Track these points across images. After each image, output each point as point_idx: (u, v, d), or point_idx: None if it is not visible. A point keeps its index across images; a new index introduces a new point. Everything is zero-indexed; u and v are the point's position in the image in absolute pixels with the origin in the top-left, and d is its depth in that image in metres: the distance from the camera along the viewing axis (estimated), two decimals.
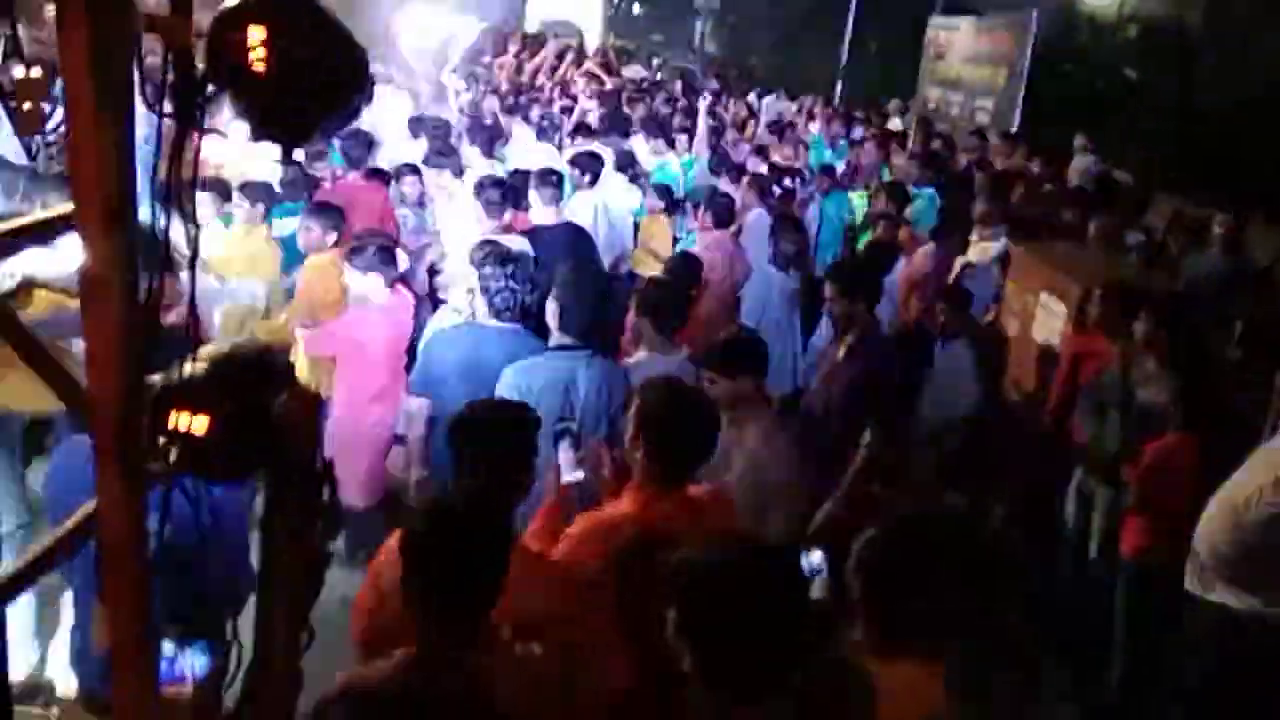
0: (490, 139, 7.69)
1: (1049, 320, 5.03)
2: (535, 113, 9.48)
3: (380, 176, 6.47)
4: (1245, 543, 3.36)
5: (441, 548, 2.03)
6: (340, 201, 5.49)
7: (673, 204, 7.05)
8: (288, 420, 1.76)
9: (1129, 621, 4.04)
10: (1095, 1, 13.44)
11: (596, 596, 2.43)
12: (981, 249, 6.18)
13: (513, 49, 13.39)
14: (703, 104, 10.15)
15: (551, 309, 3.69)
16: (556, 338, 3.70)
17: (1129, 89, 12.43)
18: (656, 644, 1.90)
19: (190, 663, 2.60)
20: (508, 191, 5.58)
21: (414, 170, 6.62)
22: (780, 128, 10.64)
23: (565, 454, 3.00)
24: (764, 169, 8.11)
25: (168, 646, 2.52)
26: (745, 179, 7.34)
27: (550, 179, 5.70)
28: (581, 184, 6.53)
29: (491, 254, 4.04)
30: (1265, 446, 3.51)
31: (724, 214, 6.20)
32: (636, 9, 28.01)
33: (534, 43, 14.62)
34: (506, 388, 3.47)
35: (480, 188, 5.48)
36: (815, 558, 2.66)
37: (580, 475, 3.02)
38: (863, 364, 4.02)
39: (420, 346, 4.22)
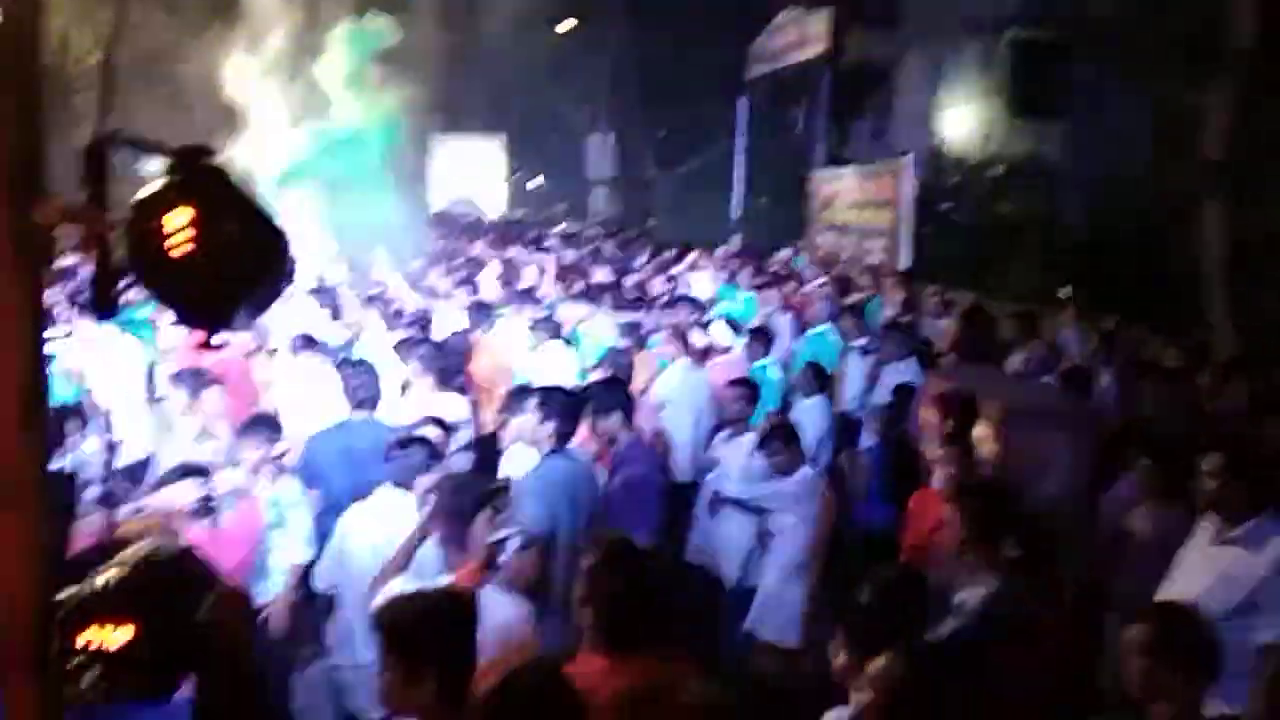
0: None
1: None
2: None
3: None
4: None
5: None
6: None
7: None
8: (216, 622, 1.63)
9: None
10: (963, 146, 14.49)
11: None
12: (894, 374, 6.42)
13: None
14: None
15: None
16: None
17: (1003, 221, 13.25)
18: None
19: None
20: None
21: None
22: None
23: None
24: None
25: None
26: (665, 330, 7.20)
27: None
28: None
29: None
30: (1197, 547, 3.52)
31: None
32: (533, 183, 29.10)
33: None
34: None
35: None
36: None
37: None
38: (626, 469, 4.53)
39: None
